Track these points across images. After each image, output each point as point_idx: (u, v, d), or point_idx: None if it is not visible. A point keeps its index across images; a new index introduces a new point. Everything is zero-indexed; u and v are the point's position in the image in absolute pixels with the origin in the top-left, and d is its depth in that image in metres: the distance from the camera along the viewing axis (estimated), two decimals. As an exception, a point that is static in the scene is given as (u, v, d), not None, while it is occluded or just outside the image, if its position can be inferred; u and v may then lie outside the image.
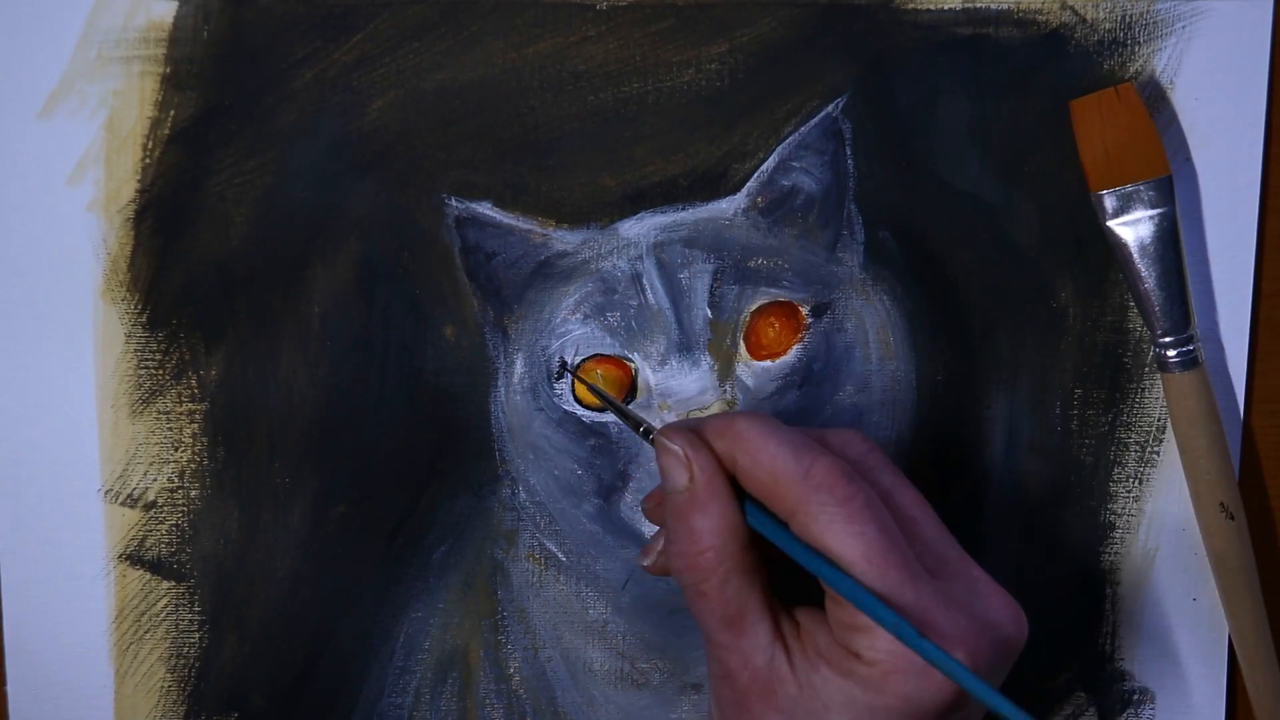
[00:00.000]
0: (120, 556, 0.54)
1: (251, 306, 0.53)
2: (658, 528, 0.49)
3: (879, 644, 0.41)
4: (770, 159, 0.53)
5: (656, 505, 0.49)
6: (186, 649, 0.55)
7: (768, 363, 0.53)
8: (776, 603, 0.45)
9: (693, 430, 0.45)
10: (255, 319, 0.53)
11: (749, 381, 0.53)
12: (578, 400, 0.53)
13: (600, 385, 0.53)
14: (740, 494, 0.44)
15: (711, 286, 0.53)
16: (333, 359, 0.54)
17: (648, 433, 0.47)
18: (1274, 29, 0.53)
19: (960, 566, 0.44)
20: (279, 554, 0.55)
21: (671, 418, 0.53)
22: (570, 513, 0.55)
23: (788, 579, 0.46)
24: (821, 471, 0.42)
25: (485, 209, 0.53)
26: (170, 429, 0.54)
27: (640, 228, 0.53)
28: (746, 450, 0.43)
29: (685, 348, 0.53)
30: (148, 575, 0.55)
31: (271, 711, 0.55)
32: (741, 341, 0.53)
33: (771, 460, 0.43)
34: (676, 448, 0.44)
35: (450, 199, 0.53)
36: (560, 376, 0.53)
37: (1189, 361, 0.52)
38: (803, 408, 0.54)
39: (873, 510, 0.42)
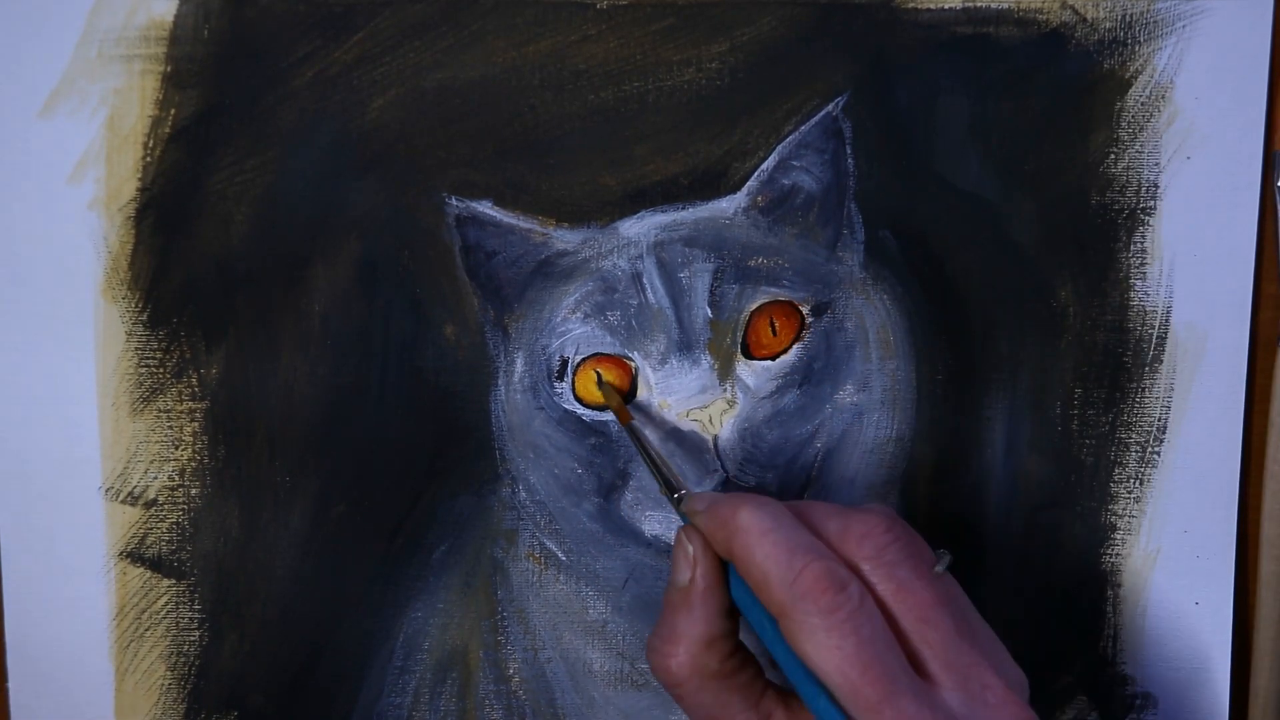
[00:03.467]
0: (121, 554, 0.54)
1: (252, 305, 0.53)
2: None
3: None
4: (770, 158, 0.53)
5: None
6: (187, 647, 0.55)
7: (768, 362, 0.53)
8: (767, 693, 0.45)
9: (698, 514, 0.45)
10: (256, 317, 0.53)
11: (749, 380, 0.53)
12: (578, 399, 0.53)
13: (599, 383, 0.53)
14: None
15: (712, 285, 0.53)
16: (333, 358, 0.54)
17: (678, 500, 0.48)
18: (1274, 29, 0.53)
19: (972, 671, 0.43)
20: (279, 553, 0.55)
21: (672, 416, 0.53)
22: (570, 512, 0.55)
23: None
24: (810, 579, 0.42)
25: (486, 208, 0.53)
26: (171, 427, 0.54)
27: (640, 227, 0.53)
28: (742, 544, 0.43)
29: (685, 347, 0.53)
30: (148, 573, 0.55)
31: (271, 710, 0.55)
32: (742, 340, 0.53)
33: (764, 560, 0.42)
34: (689, 546, 0.45)
35: (450, 198, 0.53)
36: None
37: None
38: (802, 406, 0.54)
39: (856, 622, 0.41)
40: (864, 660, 0.40)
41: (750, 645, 0.47)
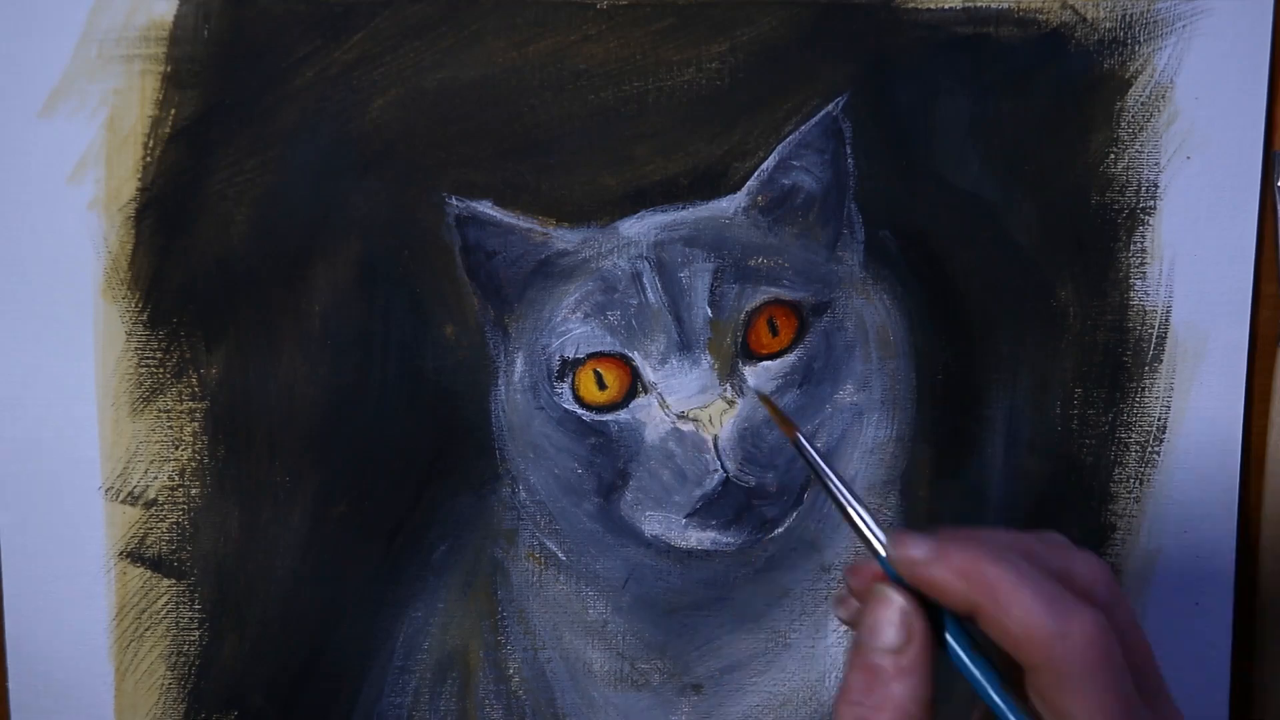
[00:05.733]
0: (121, 554, 0.54)
1: (252, 305, 0.53)
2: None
3: None
4: (771, 158, 0.53)
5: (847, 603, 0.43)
6: (187, 647, 0.55)
7: (768, 361, 0.53)
8: None
9: (922, 564, 0.40)
10: (256, 317, 0.53)
11: (749, 380, 0.53)
12: (578, 399, 0.53)
13: (600, 384, 0.53)
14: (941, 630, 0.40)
15: (711, 285, 0.53)
16: (333, 357, 0.54)
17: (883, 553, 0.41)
18: (1274, 29, 0.53)
19: (1169, 712, 0.41)
20: (279, 553, 0.55)
21: (672, 416, 0.53)
22: (570, 511, 0.55)
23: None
24: (1079, 633, 0.38)
25: (486, 208, 0.53)
26: (171, 427, 0.54)
27: (641, 226, 0.53)
28: (996, 599, 0.39)
29: (685, 346, 0.53)
30: (148, 573, 0.55)
31: (271, 710, 0.55)
32: (741, 340, 0.53)
33: (1026, 614, 0.38)
34: (900, 602, 0.40)
35: (451, 198, 0.53)
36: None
37: None
38: (802, 406, 0.54)
39: (1121, 678, 0.38)
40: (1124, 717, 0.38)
41: None
